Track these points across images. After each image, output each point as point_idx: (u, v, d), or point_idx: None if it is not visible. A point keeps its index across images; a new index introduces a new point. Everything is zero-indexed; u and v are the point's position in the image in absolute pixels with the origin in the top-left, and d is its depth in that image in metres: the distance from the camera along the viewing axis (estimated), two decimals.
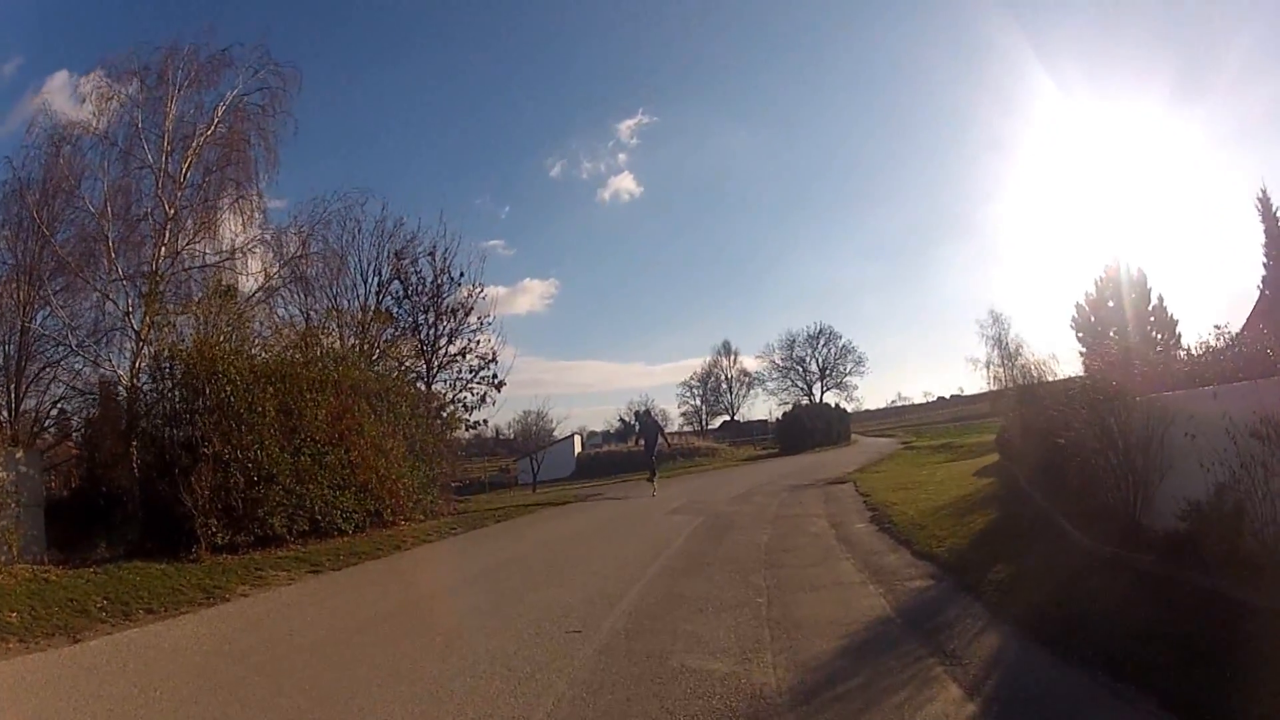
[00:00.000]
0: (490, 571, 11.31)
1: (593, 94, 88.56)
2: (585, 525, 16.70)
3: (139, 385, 14.21)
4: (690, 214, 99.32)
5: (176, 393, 12.96)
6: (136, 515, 12.75)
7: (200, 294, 16.73)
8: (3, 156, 17.46)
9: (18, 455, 12.60)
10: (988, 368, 63.77)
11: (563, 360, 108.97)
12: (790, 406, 67.20)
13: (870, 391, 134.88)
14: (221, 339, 14.10)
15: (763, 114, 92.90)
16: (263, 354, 15.36)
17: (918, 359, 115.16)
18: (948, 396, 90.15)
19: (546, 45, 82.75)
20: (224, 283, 16.90)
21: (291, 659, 6.86)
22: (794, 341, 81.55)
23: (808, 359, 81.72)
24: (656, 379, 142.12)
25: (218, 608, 9.22)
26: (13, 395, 18.79)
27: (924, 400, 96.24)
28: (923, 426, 66.56)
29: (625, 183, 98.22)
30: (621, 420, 78.09)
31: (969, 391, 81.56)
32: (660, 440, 26.29)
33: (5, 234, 17.66)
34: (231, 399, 12.67)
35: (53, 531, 12.47)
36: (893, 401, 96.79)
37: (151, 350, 14.89)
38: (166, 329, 14.96)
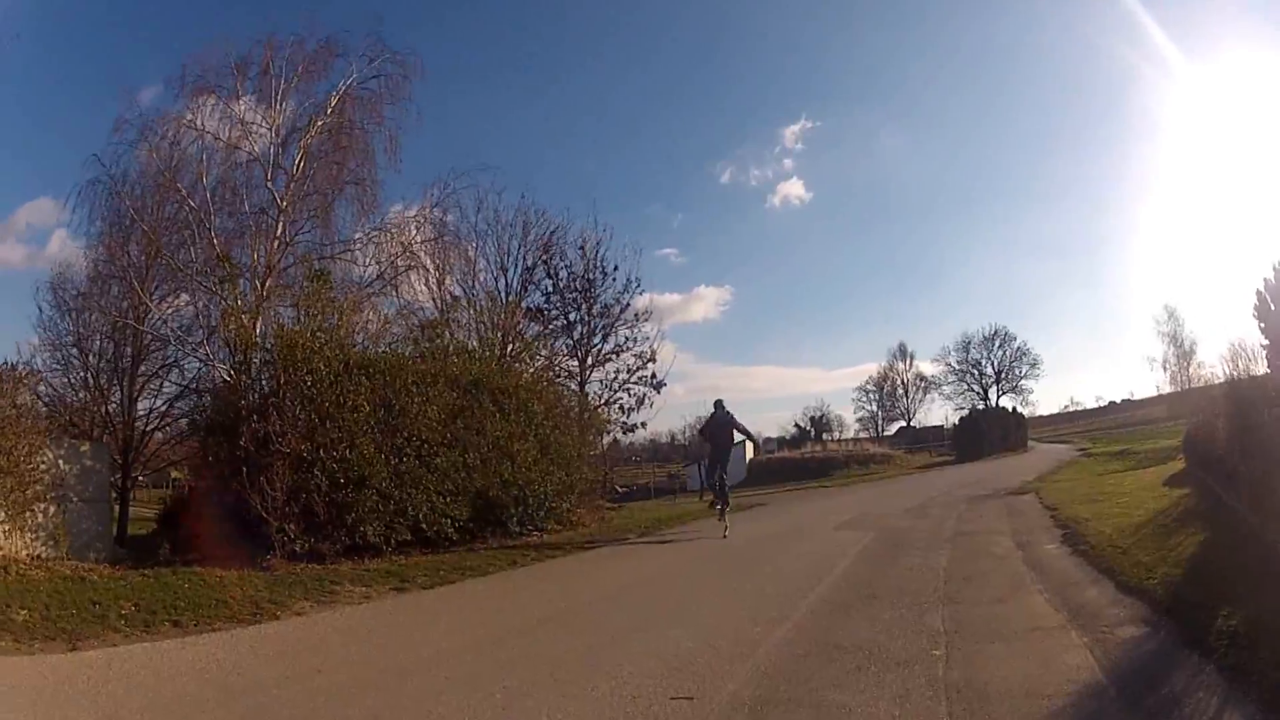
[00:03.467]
0: (605, 599, 9.62)
1: (756, 100, 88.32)
2: (737, 541, 14.43)
3: (240, 382, 13.31)
4: (860, 217, 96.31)
5: (256, 385, 12.21)
6: (214, 517, 12.03)
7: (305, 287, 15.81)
8: (91, 154, 17.02)
9: (82, 449, 12.29)
10: (1164, 367, 58.05)
11: (738, 366, 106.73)
12: (966, 411, 64.19)
13: (1043, 395, 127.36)
14: (315, 328, 12.97)
15: (923, 115, 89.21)
16: (368, 345, 14.49)
17: (1088, 360, 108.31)
18: (1119, 401, 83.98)
19: (711, 53, 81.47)
20: (319, 268, 15.79)
21: (291, 708, 5.49)
22: (969, 343, 76.42)
23: (983, 361, 76.58)
24: (832, 384, 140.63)
25: (258, 627, 8.07)
26: (124, 395, 18.60)
27: (1096, 405, 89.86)
28: (1096, 431, 61.93)
29: (794, 188, 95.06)
30: (797, 426, 76.56)
31: (1138, 395, 75.11)
32: (742, 446, 18.71)
33: (104, 233, 17.42)
34: (314, 392, 11.61)
35: (167, 531, 12.51)
36: (1065, 406, 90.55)
37: (224, 340, 14.57)
38: (232, 319, 14.20)
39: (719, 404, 15.61)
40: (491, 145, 66.92)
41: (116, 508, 15.01)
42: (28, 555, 10.66)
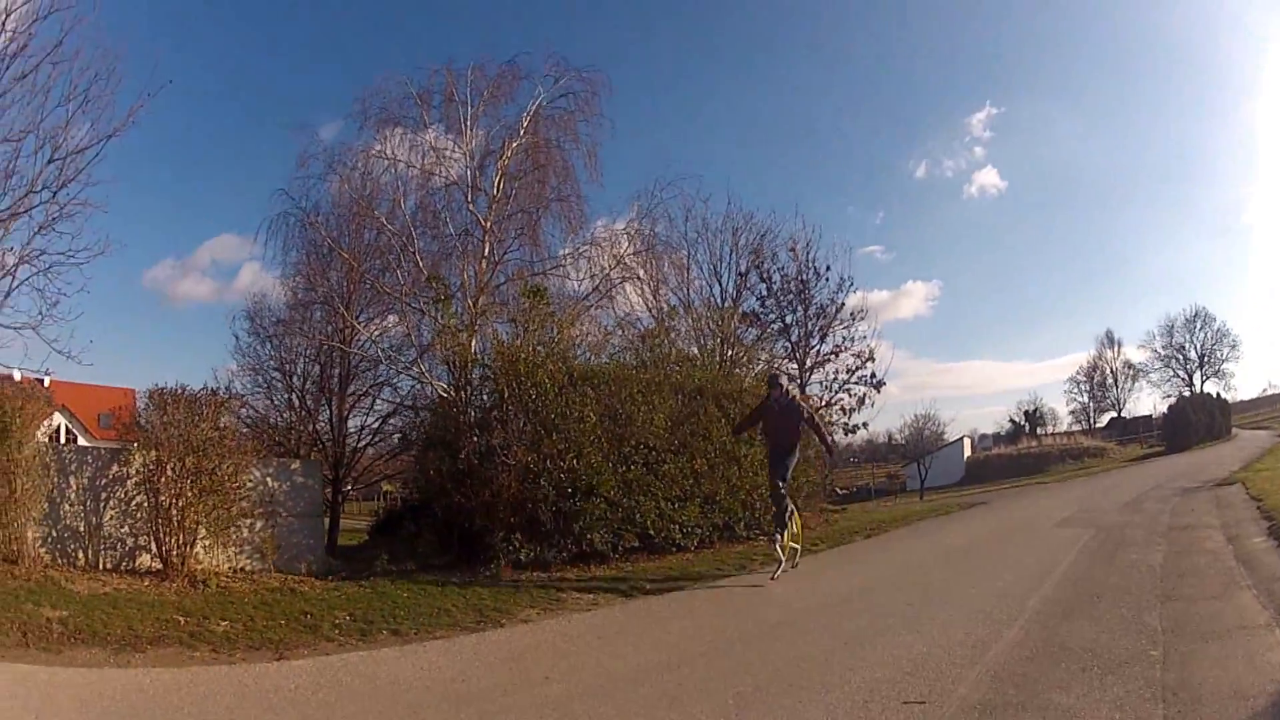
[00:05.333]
0: (835, 603, 9.32)
1: (938, 91, 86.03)
2: (962, 541, 14.54)
3: (460, 398, 13.63)
4: (1055, 202, 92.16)
5: (478, 400, 12.42)
6: (434, 527, 12.54)
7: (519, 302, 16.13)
8: (277, 189, 17.80)
9: (293, 466, 12.80)
10: None
11: (950, 362, 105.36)
12: (1174, 399, 60.46)
13: (1241, 379, 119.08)
14: (535, 343, 13.09)
15: (1100, 96, 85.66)
16: (590, 357, 14.46)
17: None
18: None
19: (892, 48, 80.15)
20: (534, 285, 15.99)
21: (517, 715, 5.45)
22: (1172, 327, 71.11)
23: (1186, 345, 71.21)
24: (1040, 376, 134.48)
25: (482, 634, 8.01)
26: (333, 413, 19.23)
27: None
28: None
29: (989, 177, 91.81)
30: (1012, 421, 73.16)
31: None
32: (813, 436, 11.90)
33: (302, 262, 18.41)
34: (539, 404, 11.63)
35: (381, 543, 12.90)
36: (1264, 390, 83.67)
37: (441, 358, 15.03)
38: (449, 337, 14.53)
39: (774, 381, 10.98)
40: (687, 154, 67.78)
41: (326, 521, 15.45)
42: (230, 569, 11.09)
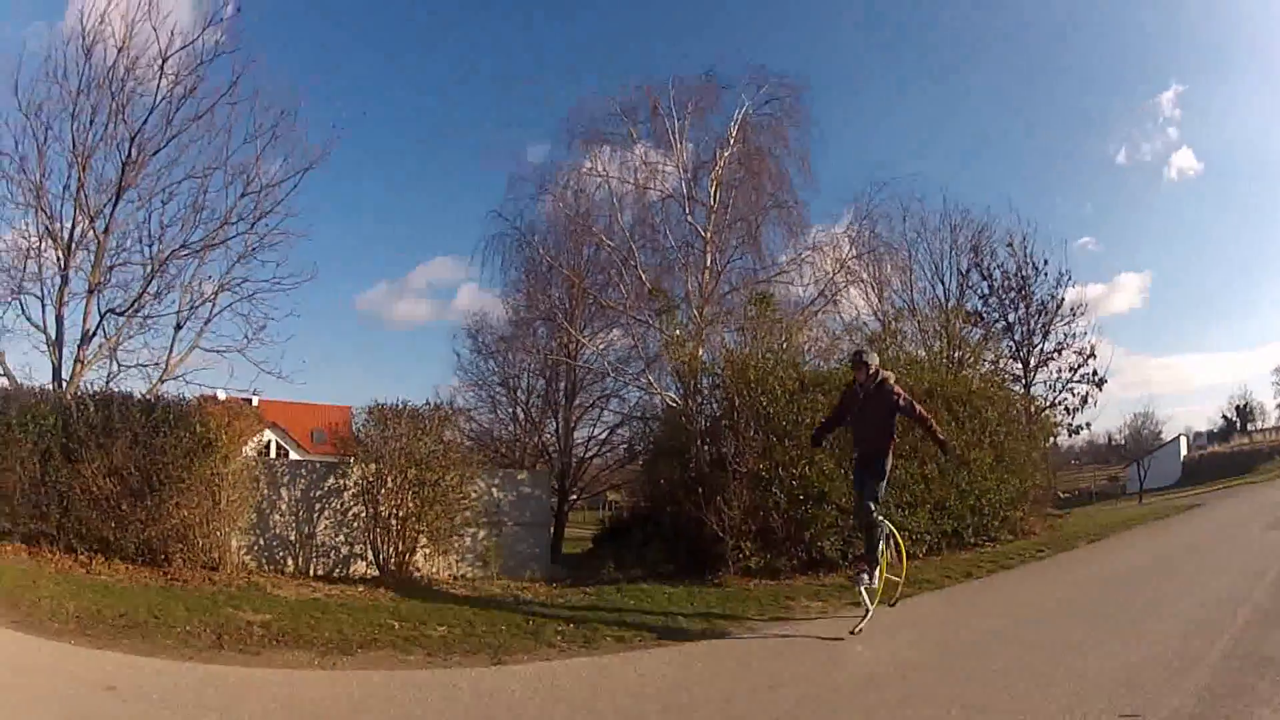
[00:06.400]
0: (1057, 611, 9.19)
1: (1122, 70, 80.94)
2: (1174, 547, 14.20)
3: (689, 406, 13.82)
4: (1253, 178, 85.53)
5: (708, 409, 12.49)
6: (661, 535, 12.60)
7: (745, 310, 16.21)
8: (490, 210, 19.19)
9: (520, 477, 13.40)
10: None
11: (1164, 357, 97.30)
12: None
13: None
14: (763, 350, 13.21)
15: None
16: (819, 363, 14.45)
17: None
18: None
19: (1078, 28, 75.96)
20: (760, 292, 16.16)
21: None
22: None
23: None
24: (1249, 368, 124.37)
25: (709, 642, 7.91)
26: (560, 425, 19.93)
27: None
28: None
29: (1185, 159, 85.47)
30: (1224, 417, 67.85)
31: None
32: (912, 422, 8.77)
33: (523, 280, 19.48)
34: (771, 411, 11.63)
35: (607, 551, 13.18)
36: None
37: (670, 368, 15.35)
38: (676, 347, 14.85)
39: (858, 361, 8.46)
40: (893, 154, 66.51)
41: (551, 530, 16.17)
42: (450, 575, 11.55)
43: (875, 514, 8.24)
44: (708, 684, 6.43)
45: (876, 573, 8.17)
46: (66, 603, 8.32)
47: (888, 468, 8.45)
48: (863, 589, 8.00)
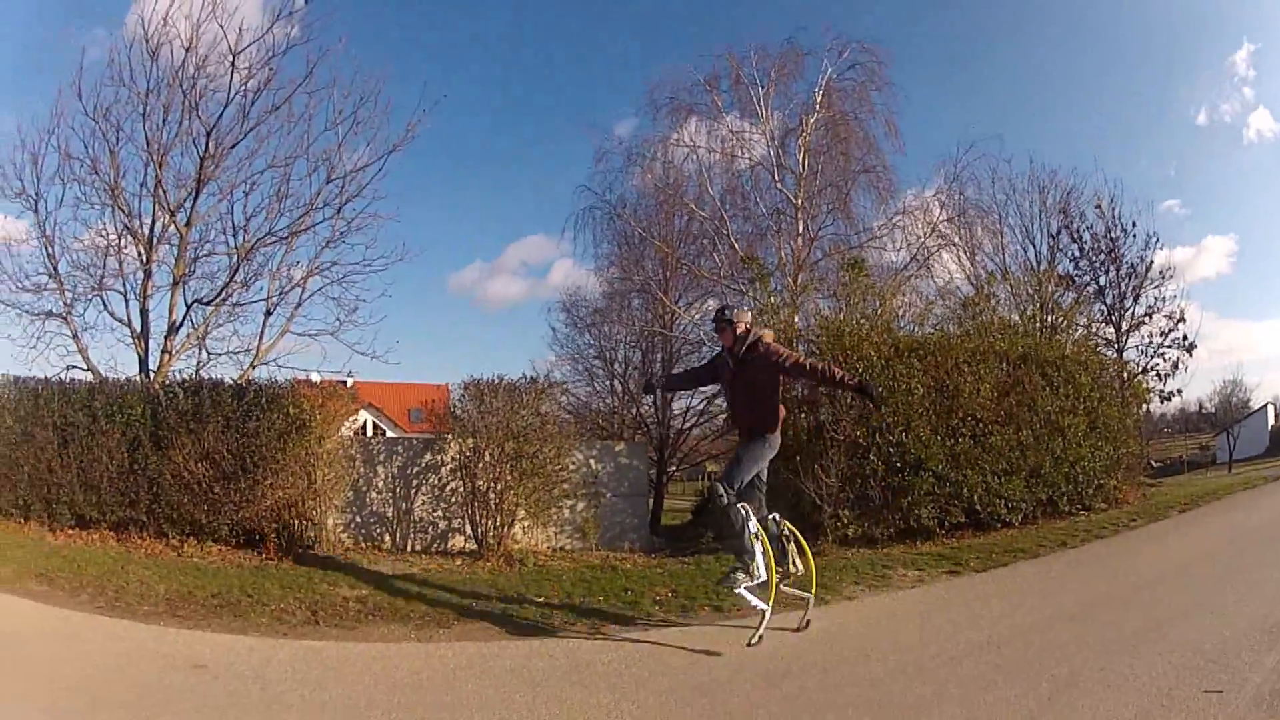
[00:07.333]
0: (1149, 582, 8.98)
1: (1194, 28, 77.96)
2: (1262, 518, 13.84)
3: None
4: None
5: None
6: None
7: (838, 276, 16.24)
8: (579, 185, 19.29)
9: (618, 448, 13.49)
10: None
11: (1250, 321, 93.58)
12: None
13: None
14: (857, 316, 13.18)
15: None
16: (913, 328, 14.37)
17: None
18: None
19: None
20: (852, 258, 16.03)
21: (832, 693, 5.48)
22: None
23: None
24: None
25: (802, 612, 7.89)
26: (658, 397, 20.10)
27: None
28: None
29: (1262, 120, 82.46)
30: None
31: None
32: (810, 381, 9.91)
33: (615, 254, 19.65)
34: (866, 378, 11.26)
35: (705, 521, 13.42)
36: None
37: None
38: (770, 315, 14.66)
39: (721, 320, 7.09)
40: (976, 115, 65.15)
41: (649, 500, 16.27)
42: (549, 548, 11.65)
43: (725, 499, 6.79)
44: (804, 652, 6.47)
45: (752, 575, 6.64)
46: (157, 585, 8.51)
47: (764, 449, 7.08)
48: (742, 590, 6.65)
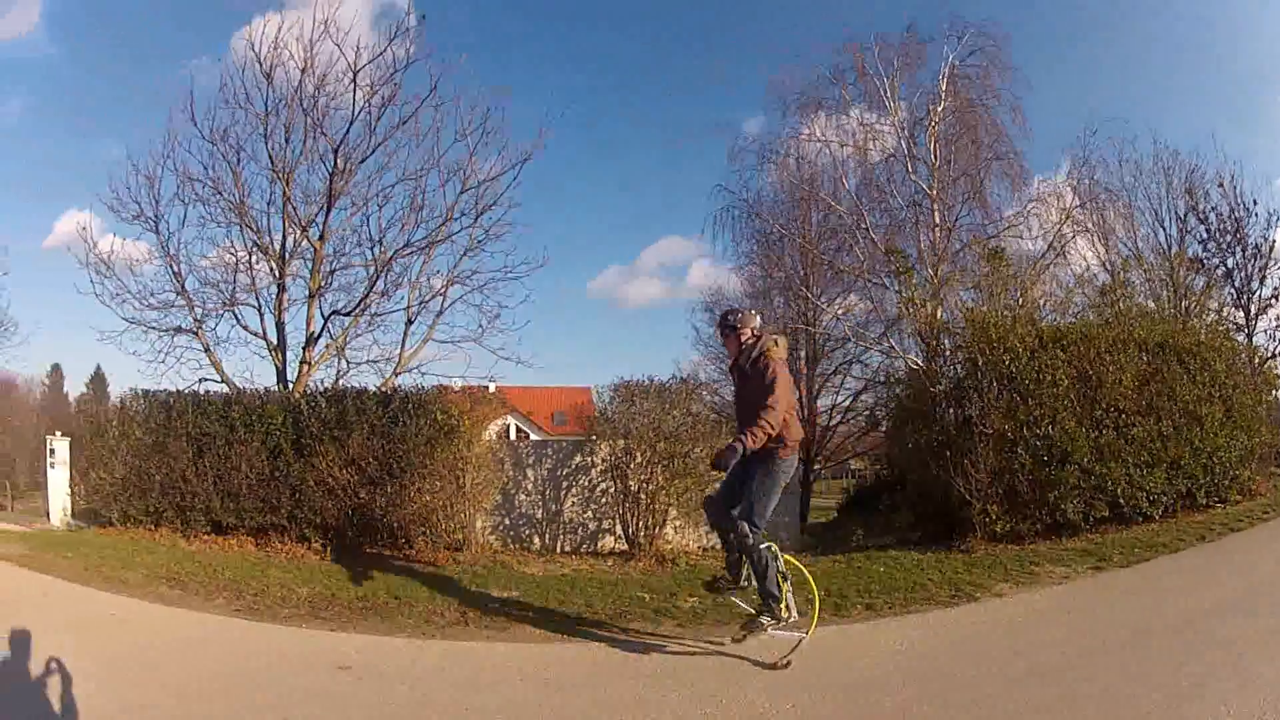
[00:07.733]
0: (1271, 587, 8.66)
1: None
2: None
3: (931, 368, 13.93)
4: None
5: (953, 369, 12.45)
6: (907, 502, 12.64)
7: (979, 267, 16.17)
8: (716, 185, 19.56)
9: None
10: None
11: None
12: None
13: None
14: (1001, 307, 13.11)
15: None
16: (1055, 317, 14.26)
17: None
18: None
19: None
20: (991, 247, 16.04)
21: (974, 691, 5.59)
22: None
23: None
24: None
25: (958, 609, 8.04)
26: (804, 394, 20.33)
27: None
28: None
29: None
30: None
31: None
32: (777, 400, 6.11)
33: (755, 251, 20.13)
34: (1013, 370, 11.61)
35: (852, 519, 13.35)
36: None
37: (909, 330, 15.47)
38: (915, 308, 14.92)
39: (726, 325, 6.67)
40: (1098, 99, 63.79)
41: (800, 498, 16.28)
42: (698, 548, 11.78)
43: (750, 539, 6.21)
44: (953, 650, 6.65)
45: (778, 617, 6.39)
46: (298, 588, 8.92)
47: (776, 474, 6.33)
48: (771, 633, 6.37)
